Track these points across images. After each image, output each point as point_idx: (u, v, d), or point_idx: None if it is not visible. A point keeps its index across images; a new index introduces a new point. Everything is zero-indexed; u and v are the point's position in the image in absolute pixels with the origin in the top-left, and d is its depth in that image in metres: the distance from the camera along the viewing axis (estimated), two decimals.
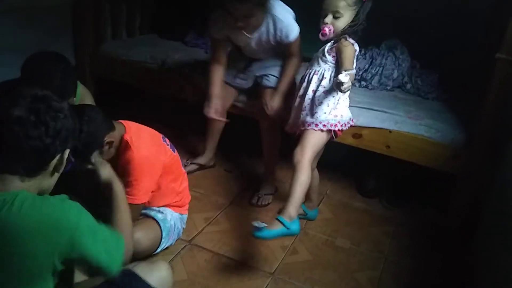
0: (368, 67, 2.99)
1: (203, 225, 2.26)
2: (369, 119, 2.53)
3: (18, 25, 2.76)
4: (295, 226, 1.84)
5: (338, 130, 2.05)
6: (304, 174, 1.93)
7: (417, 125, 2.47)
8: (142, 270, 1.52)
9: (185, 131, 3.12)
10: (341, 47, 1.96)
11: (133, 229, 1.80)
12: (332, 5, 1.94)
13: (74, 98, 2.00)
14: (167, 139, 2.02)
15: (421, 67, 3.07)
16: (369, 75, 2.95)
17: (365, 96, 2.75)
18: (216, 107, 2.43)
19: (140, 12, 3.60)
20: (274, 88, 2.41)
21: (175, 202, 2.04)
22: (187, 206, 2.13)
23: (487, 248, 2.06)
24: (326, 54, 2.02)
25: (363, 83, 2.94)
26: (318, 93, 2.03)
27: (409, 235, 2.39)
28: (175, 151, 2.04)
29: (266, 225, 1.79)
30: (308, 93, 2.06)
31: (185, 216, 2.11)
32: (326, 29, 1.96)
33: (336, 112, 2.04)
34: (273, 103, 2.34)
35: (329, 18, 1.95)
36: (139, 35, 3.60)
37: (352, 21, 1.95)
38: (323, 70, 2.03)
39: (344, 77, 1.74)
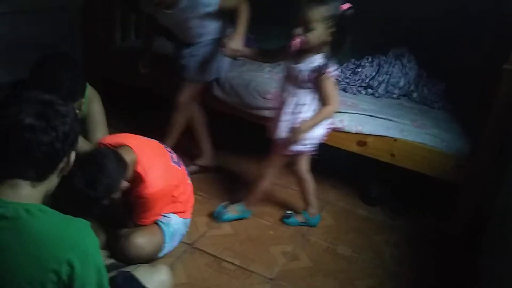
0: (375, 74, 2.99)
1: (205, 228, 2.27)
2: (374, 126, 2.53)
3: (28, 26, 2.80)
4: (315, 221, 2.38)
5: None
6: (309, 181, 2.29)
7: (422, 134, 2.47)
8: (142, 274, 1.54)
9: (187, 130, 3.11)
10: (322, 83, 1.98)
11: (136, 234, 1.84)
12: (304, 17, 1.92)
13: (83, 100, 2.02)
14: (174, 155, 2.03)
15: (428, 76, 3.06)
16: (376, 83, 2.94)
17: (371, 103, 2.75)
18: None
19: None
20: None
21: (179, 210, 2.04)
22: (190, 210, 2.12)
23: (492, 256, 2.06)
24: (304, 81, 2.03)
25: (369, 90, 2.93)
26: (298, 117, 2.08)
27: (411, 243, 2.38)
28: (181, 164, 2.05)
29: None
30: (286, 111, 2.11)
31: (189, 220, 2.11)
32: (297, 41, 1.97)
33: (319, 130, 2.12)
34: (232, 44, 2.23)
35: (300, 30, 1.94)
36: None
37: (331, 38, 1.94)
38: (301, 97, 2.07)
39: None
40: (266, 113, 2.65)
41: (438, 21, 3.20)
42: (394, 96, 2.93)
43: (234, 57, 2.46)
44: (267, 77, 2.97)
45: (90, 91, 2.18)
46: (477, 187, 2.36)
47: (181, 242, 2.10)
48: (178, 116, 2.60)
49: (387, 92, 2.93)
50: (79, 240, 1.08)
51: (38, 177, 1.11)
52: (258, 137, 2.37)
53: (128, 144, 1.79)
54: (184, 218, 2.05)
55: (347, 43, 1.95)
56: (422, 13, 3.21)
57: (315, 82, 2.00)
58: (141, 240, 1.82)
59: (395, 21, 3.17)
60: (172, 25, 2.55)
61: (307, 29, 1.91)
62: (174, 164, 1.97)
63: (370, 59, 3.05)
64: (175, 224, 1.99)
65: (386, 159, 2.52)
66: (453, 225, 2.47)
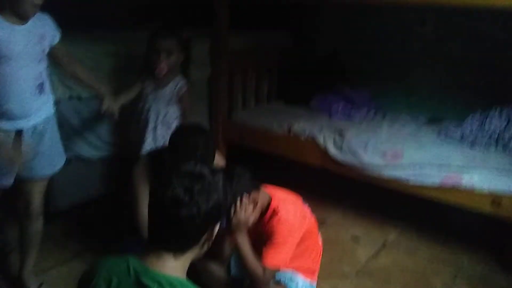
0: (505, 127, 2.79)
1: None
2: (510, 185, 2.33)
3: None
4: None
5: None
6: None
7: None
8: None
9: (310, 193, 3.15)
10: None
11: None
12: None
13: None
14: (305, 202, 2.08)
15: None
16: (507, 135, 2.74)
17: (503, 158, 2.56)
18: None
19: (267, 80, 3.82)
20: None
21: (308, 267, 2.04)
22: (317, 273, 2.10)
23: None
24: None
25: (501, 144, 2.73)
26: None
27: None
28: (313, 215, 2.08)
29: None
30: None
31: (312, 283, 2.10)
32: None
33: None
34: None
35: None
36: (267, 103, 3.80)
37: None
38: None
39: None
40: (385, 172, 2.62)
41: None
42: None
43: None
44: (386, 135, 2.94)
45: (216, 156, 2.34)
46: None
47: None
48: None
49: None
50: None
51: (180, 249, 1.16)
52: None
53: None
54: (310, 282, 2.04)
55: None
56: None
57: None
58: None
59: None
60: None
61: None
62: (305, 205, 2.03)
63: (498, 110, 2.86)
64: (299, 283, 1.99)
65: None
66: None
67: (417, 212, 2.97)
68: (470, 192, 2.43)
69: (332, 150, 2.87)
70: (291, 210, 1.88)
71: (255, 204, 1.82)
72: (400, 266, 2.48)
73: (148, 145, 2.55)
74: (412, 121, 3.22)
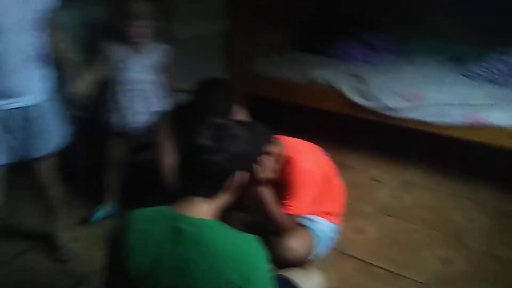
0: None
1: (351, 233, 2.31)
2: None
3: (182, 54, 3.13)
4: None
5: None
6: None
7: None
8: (296, 277, 1.64)
9: (331, 139, 3.20)
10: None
11: (289, 237, 1.94)
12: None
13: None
14: (326, 153, 2.11)
15: None
16: None
17: None
18: None
19: (288, 31, 3.76)
20: None
21: (328, 210, 2.09)
22: (339, 216, 2.15)
23: None
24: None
25: None
26: None
27: None
28: (333, 164, 2.12)
29: None
30: None
31: (337, 226, 2.16)
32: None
33: None
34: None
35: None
36: (287, 53, 3.74)
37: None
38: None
39: None
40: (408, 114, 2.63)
41: None
42: None
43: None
44: (407, 77, 2.93)
45: (238, 109, 2.39)
46: None
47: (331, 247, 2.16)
48: None
49: None
50: (253, 254, 1.18)
51: (209, 194, 1.23)
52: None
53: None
54: (332, 223, 2.10)
55: None
56: None
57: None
58: (293, 243, 1.91)
59: None
60: None
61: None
62: (327, 157, 2.07)
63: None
64: (323, 228, 2.05)
65: None
66: None
67: (436, 152, 3.00)
68: (492, 129, 2.44)
69: (353, 95, 2.89)
70: (307, 159, 1.91)
71: (274, 157, 1.87)
72: (421, 203, 2.54)
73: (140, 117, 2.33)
74: (433, 61, 3.19)
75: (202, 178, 1.21)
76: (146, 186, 2.46)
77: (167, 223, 1.18)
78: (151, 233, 1.18)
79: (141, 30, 2.21)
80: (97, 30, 2.48)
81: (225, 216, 1.43)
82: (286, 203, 1.91)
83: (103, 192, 2.40)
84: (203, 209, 1.21)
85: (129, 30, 2.18)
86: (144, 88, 2.30)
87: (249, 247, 1.18)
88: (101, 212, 2.42)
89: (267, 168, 1.84)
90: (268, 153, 1.85)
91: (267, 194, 1.89)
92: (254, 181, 1.86)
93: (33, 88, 1.80)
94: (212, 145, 1.19)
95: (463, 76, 2.87)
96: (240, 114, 2.42)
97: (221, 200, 1.27)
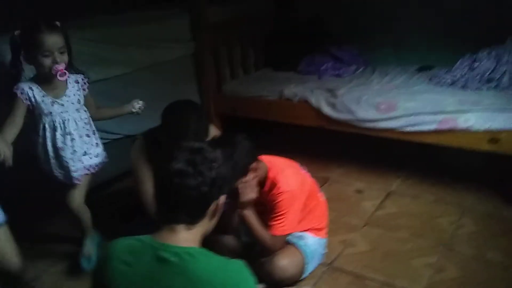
0: (495, 66, 2.79)
1: (340, 247, 2.25)
2: (506, 120, 2.35)
3: (149, 80, 3.07)
4: None
5: None
6: None
7: None
8: None
9: (309, 154, 3.16)
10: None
11: (278, 256, 1.88)
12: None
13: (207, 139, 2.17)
14: (304, 168, 2.08)
15: None
16: (497, 75, 2.75)
17: (496, 97, 2.58)
18: None
19: (253, 50, 3.78)
20: None
21: (314, 226, 2.07)
22: (325, 230, 2.14)
23: None
24: None
25: (492, 84, 2.74)
26: None
27: None
28: (312, 178, 2.09)
29: None
30: None
31: (325, 240, 2.13)
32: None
33: None
34: None
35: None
36: (255, 71, 3.78)
37: None
38: None
39: None
40: (381, 124, 2.64)
41: None
42: None
43: None
44: (377, 88, 2.95)
45: (212, 129, 2.33)
46: None
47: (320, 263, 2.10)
48: None
49: (511, 83, 2.71)
50: (239, 280, 1.14)
51: (190, 221, 1.19)
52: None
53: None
54: (320, 238, 2.07)
55: None
56: None
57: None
58: (284, 262, 1.87)
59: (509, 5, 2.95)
60: None
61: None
62: (303, 171, 2.04)
63: (487, 51, 2.86)
64: (312, 244, 2.02)
65: None
66: None
67: (418, 160, 2.99)
68: (467, 133, 2.44)
69: (326, 109, 2.87)
70: (290, 179, 1.90)
71: (255, 174, 1.83)
72: (406, 212, 2.50)
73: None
74: (403, 71, 3.22)
75: (180, 204, 1.18)
76: (128, 214, 2.38)
77: (151, 253, 1.15)
78: (135, 265, 1.15)
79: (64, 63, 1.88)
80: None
81: (211, 241, 1.37)
82: (273, 224, 1.88)
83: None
84: (186, 237, 1.18)
85: (53, 66, 1.84)
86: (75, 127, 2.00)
87: (235, 274, 1.15)
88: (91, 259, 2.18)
89: (249, 190, 1.80)
90: (251, 172, 1.80)
91: (251, 216, 1.86)
92: (238, 204, 1.82)
93: None
94: (188, 169, 1.16)
95: (434, 83, 2.91)
96: (216, 135, 2.37)
97: (204, 226, 1.24)
